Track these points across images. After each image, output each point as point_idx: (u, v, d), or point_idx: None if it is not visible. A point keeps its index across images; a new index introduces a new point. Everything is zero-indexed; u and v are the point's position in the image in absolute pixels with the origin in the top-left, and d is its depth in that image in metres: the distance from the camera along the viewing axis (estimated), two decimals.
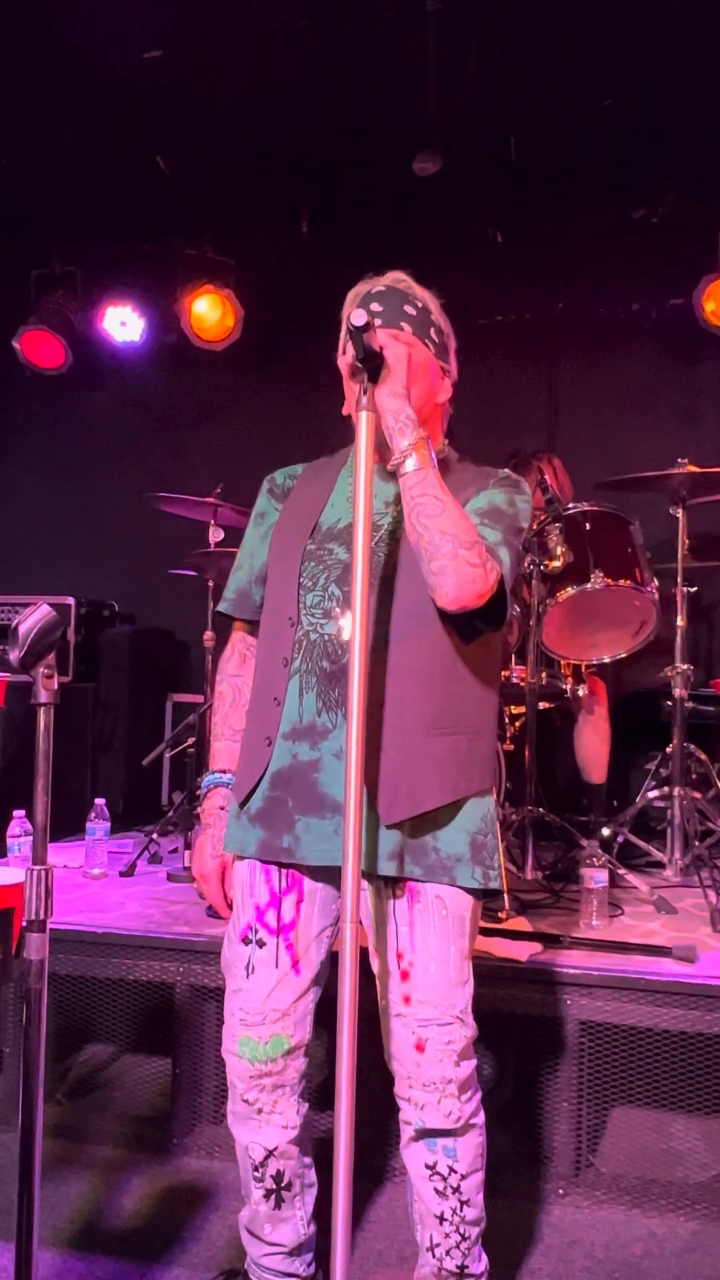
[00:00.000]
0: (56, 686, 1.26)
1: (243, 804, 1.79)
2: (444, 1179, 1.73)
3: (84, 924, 2.81)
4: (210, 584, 4.02)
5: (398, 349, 1.69)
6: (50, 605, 4.66)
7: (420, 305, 1.81)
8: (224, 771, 1.89)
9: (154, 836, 3.72)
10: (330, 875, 1.74)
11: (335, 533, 1.80)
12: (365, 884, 1.72)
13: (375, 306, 1.78)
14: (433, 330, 1.82)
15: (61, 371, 5.19)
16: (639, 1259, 2.20)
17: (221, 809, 1.87)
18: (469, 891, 1.74)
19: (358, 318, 1.54)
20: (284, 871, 1.78)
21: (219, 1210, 2.35)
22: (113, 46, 3.75)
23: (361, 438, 1.61)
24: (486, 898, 1.82)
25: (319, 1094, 2.17)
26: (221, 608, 2.00)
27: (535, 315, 4.91)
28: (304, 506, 1.88)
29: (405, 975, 1.71)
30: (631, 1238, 2.28)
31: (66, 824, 3.99)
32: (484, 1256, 1.82)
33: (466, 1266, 1.77)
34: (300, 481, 1.95)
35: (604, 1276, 2.14)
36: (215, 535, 3.91)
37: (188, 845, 3.52)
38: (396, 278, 1.84)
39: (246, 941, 1.78)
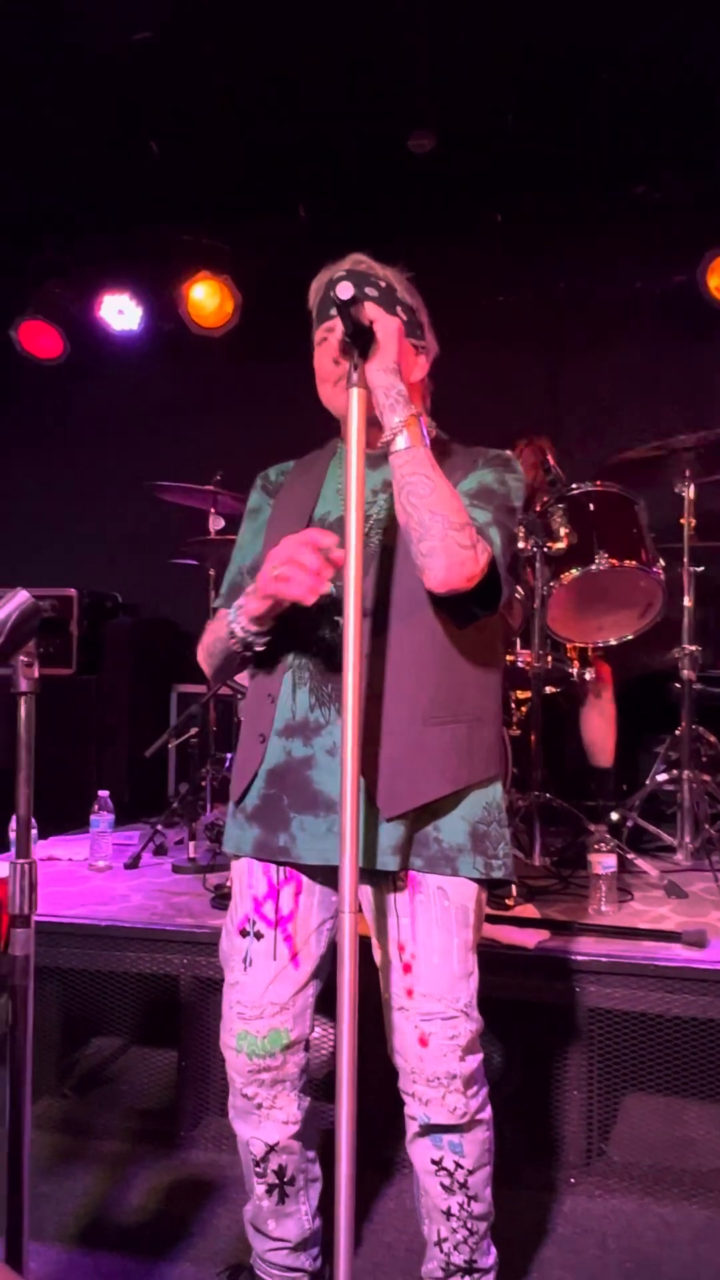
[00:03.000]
0: (37, 675, 1.23)
1: (239, 801, 1.77)
2: (450, 1174, 1.69)
3: (88, 917, 2.79)
4: (211, 573, 3.99)
5: (389, 323, 1.64)
6: (53, 597, 4.58)
7: (383, 284, 1.78)
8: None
9: (159, 828, 3.70)
10: (329, 873, 1.70)
11: (327, 526, 1.76)
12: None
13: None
14: (399, 307, 1.78)
15: (60, 362, 5.16)
16: (651, 1248, 2.17)
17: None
18: (472, 882, 1.70)
19: (344, 291, 1.50)
20: (283, 865, 1.75)
21: (226, 1203, 2.32)
22: (102, 28, 3.71)
23: (353, 415, 1.57)
24: (492, 888, 1.78)
25: (326, 1085, 2.14)
26: (216, 604, 1.95)
27: (537, 295, 4.84)
28: (295, 501, 1.85)
29: (407, 968, 1.68)
30: (644, 1226, 2.25)
31: (72, 816, 3.98)
32: (493, 1250, 1.79)
33: (475, 1260, 1.74)
34: (291, 477, 1.93)
35: (615, 1266, 2.10)
36: (215, 523, 3.89)
37: (192, 836, 3.49)
38: (355, 259, 1.81)
39: (244, 934, 1.75)
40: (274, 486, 1.92)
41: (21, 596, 1.21)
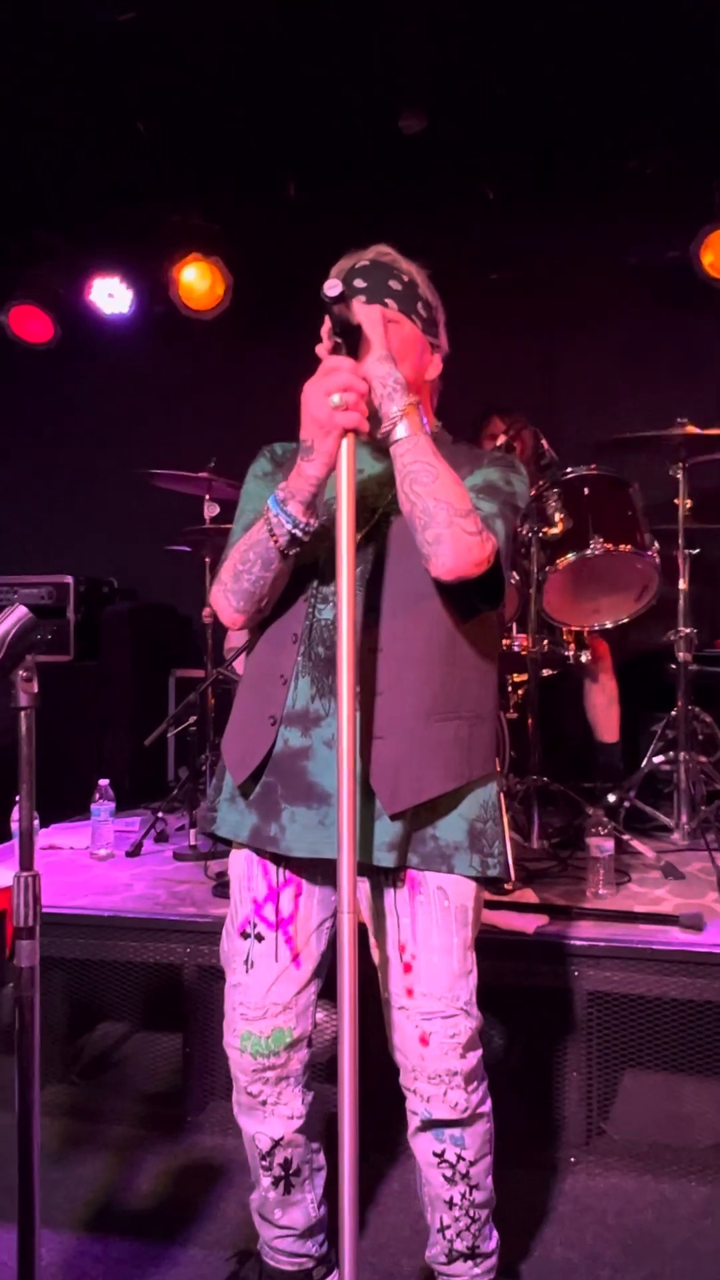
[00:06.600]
0: (36, 690, 1.23)
1: (241, 785, 1.75)
2: (452, 1166, 1.72)
3: (91, 908, 2.82)
4: (207, 560, 3.98)
5: (370, 312, 1.64)
6: (50, 584, 4.55)
7: (406, 279, 1.76)
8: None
9: (160, 814, 3.72)
10: (327, 873, 1.70)
11: (332, 511, 1.75)
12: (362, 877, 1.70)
13: (359, 283, 1.73)
14: (420, 304, 1.77)
15: (50, 346, 5.11)
16: (651, 1224, 2.21)
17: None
18: (470, 880, 1.72)
19: (332, 287, 1.49)
20: (281, 866, 1.76)
21: (233, 1187, 2.36)
22: (87, 7, 3.65)
23: (343, 463, 1.58)
24: (489, 885, 1.80)
25: (330, 1069, 2.17)
26: (228, 551, 1.78)
27: (528, 272, 4.81)
28: None
29: (408, 968, 1.70)
30: (644, 1203, 2.29)
31: (73, 804, 3.99)
32: (494, 1234, 1.83)
33: (477, 1246, 1.78)
34: (294, 456, 1.90)
35: (616, 1243, 2.15)
36: (210, 510, 3.88)
37: (193, 823, 3.52)
38: (380, 251, 1.78)
39: (245, 935, 1.77)
40: (280, 459, 1.88)
41: (20, 612, 1.22)
